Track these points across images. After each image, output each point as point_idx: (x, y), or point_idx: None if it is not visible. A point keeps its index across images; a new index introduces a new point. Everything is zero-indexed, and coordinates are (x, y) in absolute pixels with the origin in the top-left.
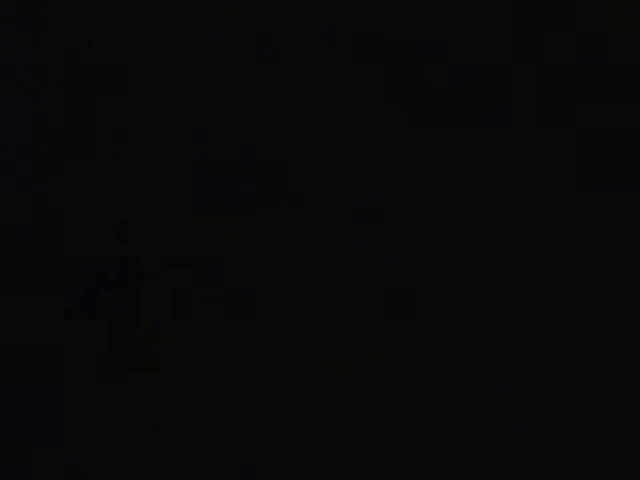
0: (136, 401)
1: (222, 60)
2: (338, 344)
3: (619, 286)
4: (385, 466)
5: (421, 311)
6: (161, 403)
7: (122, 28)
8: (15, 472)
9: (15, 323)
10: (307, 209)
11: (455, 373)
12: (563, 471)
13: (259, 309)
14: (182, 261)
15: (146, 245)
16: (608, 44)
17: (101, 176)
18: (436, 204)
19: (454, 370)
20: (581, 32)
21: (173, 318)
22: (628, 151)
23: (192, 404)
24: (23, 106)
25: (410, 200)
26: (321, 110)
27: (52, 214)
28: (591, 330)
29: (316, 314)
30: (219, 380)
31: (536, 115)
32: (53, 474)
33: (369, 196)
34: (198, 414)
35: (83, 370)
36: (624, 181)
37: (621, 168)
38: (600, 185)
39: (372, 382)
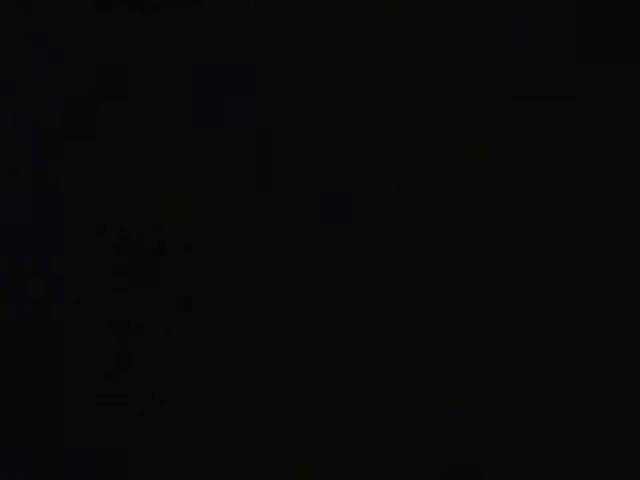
0: (136, 400)
1: (221, 58)
2: (340, 345)
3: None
4: (387, 468)
5: (423, 311)
6: (160, 402)
7: (122, 27)
8: (14, 472)
9: (15, 323)
10: (308, 209)
11: (457, 374)
12: (563, 471)
13: (259, 308)
14: (181, 260)
15: (147, 244)
16: (608, 44)
17: (102, 175)
18: (436, 204)
19: (456, 372)
20: (582, 31)
21: (173, 318)
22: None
23: (192, 403)
24: (23, 107)
25: (409, 200)
26: (322, 108)
27: (52, 215)
28: (591, 331)
29: (320, 313)
30: (219, 380)
31: (536, 115)
32: (52, 473)
33: (368, 195)
34: (198, 413)
35: (83, 370)
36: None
37: (622, 168)
38: (604, 185)
39: (373, 383)
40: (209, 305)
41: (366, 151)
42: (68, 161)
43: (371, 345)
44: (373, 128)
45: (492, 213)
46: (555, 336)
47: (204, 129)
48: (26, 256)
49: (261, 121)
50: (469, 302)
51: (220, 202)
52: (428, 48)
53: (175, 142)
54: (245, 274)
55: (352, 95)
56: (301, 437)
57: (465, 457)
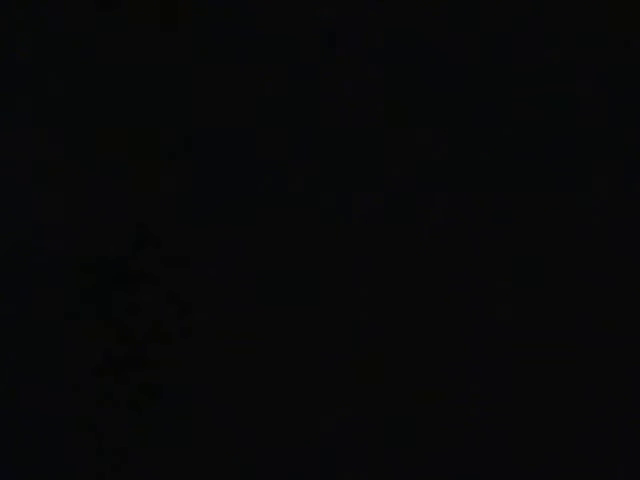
0: (136, 401)
1: (221, 60)
2: (339, 346)
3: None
4: (385, 467)
5: (423, 312)
6: (161, 403)
7: (122, 28)
8: (14, 472)
9: (17, 325)
10: (307, 209)
11: (456, 374)
12: (563, 472)
13: (259, 308)
14: (181, 261)
15: (146, 245)
16: (608, 45)
17: (101, 177)
18: (435, 205)
19: (455, 371)
20: (581, 32)
21: (174, 318)
22: (628, 151)
23: (193, 403)
24: (23, 111)
25: (409, 200)
26: (322, 109)
27: (52, 216)
28: (592, 331)
29: (318, 314)
30: (219, 379)
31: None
32: (51, 474)
33: (368, 196)
34: (199, 412)
35: (83, 370)
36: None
37: (621, 168)
38: (603, 185)
39: (374, 383)
40: (209, 305)
41: (366, 151)
42: (68, 161)
43: (371, 344)
44: (373, 128)
45: (492, 213)
46: (554, 335)
47: (204, 129)
48: (26, 255)
49: (261, 121)
50: (469, 302)
51: (220, 201)
52: (428, 48)
53: (175, 141)
54: (245, 274)
55: (352, 95)
56: (300, 437)
57: (465, 457)
